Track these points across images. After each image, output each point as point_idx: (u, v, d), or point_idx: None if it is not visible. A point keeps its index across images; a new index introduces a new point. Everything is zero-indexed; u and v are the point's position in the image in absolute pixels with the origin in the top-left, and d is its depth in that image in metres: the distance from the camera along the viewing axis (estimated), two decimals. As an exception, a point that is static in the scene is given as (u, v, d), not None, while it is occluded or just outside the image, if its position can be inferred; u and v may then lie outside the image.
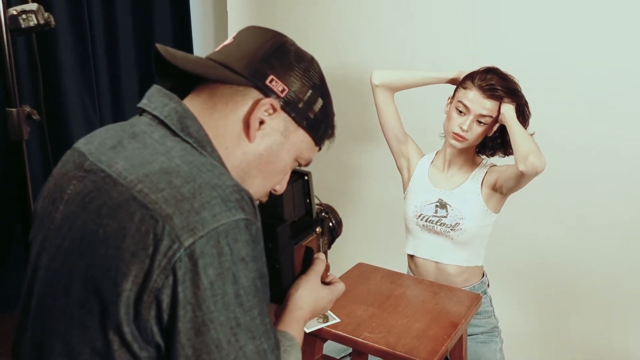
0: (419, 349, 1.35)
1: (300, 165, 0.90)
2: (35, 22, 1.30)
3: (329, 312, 1.50)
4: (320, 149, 0.91)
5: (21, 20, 1.31)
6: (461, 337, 1.55)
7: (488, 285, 1.88)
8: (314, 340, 1.52)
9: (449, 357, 1.59)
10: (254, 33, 0.86)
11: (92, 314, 0.70)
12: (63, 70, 2.31)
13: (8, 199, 2.39)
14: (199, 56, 0.86)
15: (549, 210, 2.37)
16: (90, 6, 2.43)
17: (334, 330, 1.43)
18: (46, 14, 1.32)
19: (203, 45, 3.04)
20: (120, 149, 0.76)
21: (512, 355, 2.08)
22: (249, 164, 0.82)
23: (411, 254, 1.87)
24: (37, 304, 0.78)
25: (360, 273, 1.72)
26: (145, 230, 0.67)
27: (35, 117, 1.37)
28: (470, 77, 1.71)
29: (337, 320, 1.47)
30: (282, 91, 0.81)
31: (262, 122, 0.81)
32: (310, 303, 0.97)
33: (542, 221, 2.40)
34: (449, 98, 1.79)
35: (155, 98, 0.80)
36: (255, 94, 0.80)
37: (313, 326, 1.44)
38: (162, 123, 0.78)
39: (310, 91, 0.84)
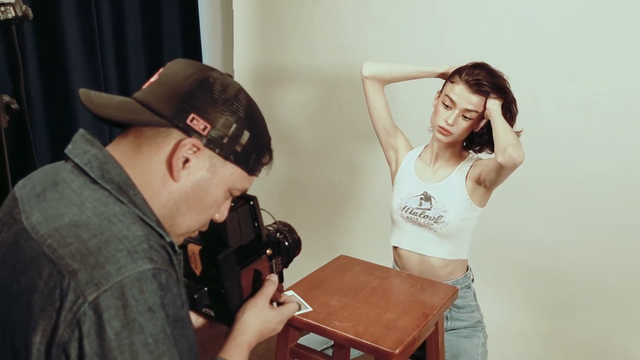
0: (386, 338, 1.35)
1: (233, 195, 0.89)
2: (13, 14, 1.35)
3: (302, 300, 1.51)
4: (257, 176, 0.90)
5: (-1, 13, 1.37)
6: (436, 329, 1.54)
7: (472, 279, 1.86)
8: (287, 328, 1.52)
9: (426, 348, 1.58)
10: (178, 69, 0.85)
11: None
12: (71, 68, 2.38)
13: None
14: (122, 97, 0.86)
15: (540, 206, 2.34)
16: (98, 7, 2.50)
17: (304, 319, 1.44)
18: (24, 7, 1.37)
19: (210, 44, 3.11)
20: (41, 199, 0.78)
21: (500, 350, 2.06)
22: (176, 202, 0.83)
23: (395, 245, 1.87)
24: None
25: (340, 265, 1.72)
26: (52, 285, 0.70)
27: (14, 106, 1.42)
28: (458, 71, 1.70)
29: (310, 309, 1.48)
30: (204, 129, 0.81)
31: (187, 161, 0.81)
32: (255, 327, 0.99)
33: (532, 217, 2.37)
34: (437, 92, 1.79)
35: (78, 144, 0.82)
36: (177, 135, 0.80)
37: None
38: (82, 171, 0.79)
39: (234, 125, 0.83)
